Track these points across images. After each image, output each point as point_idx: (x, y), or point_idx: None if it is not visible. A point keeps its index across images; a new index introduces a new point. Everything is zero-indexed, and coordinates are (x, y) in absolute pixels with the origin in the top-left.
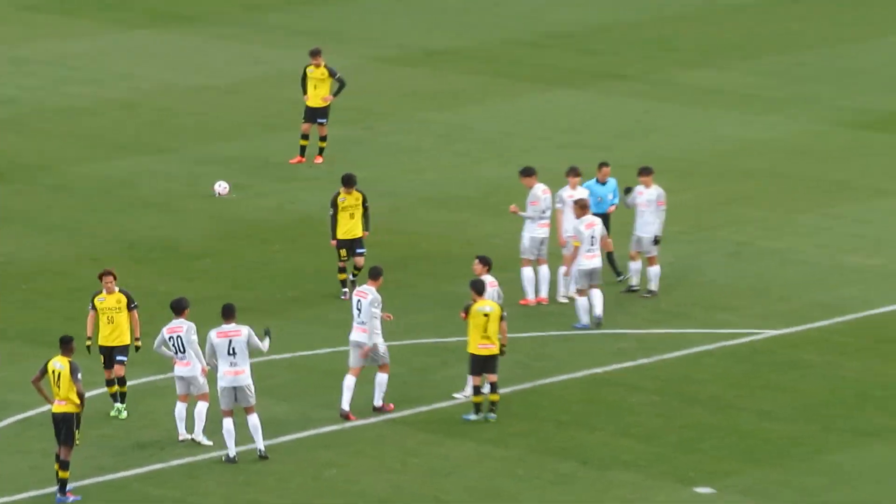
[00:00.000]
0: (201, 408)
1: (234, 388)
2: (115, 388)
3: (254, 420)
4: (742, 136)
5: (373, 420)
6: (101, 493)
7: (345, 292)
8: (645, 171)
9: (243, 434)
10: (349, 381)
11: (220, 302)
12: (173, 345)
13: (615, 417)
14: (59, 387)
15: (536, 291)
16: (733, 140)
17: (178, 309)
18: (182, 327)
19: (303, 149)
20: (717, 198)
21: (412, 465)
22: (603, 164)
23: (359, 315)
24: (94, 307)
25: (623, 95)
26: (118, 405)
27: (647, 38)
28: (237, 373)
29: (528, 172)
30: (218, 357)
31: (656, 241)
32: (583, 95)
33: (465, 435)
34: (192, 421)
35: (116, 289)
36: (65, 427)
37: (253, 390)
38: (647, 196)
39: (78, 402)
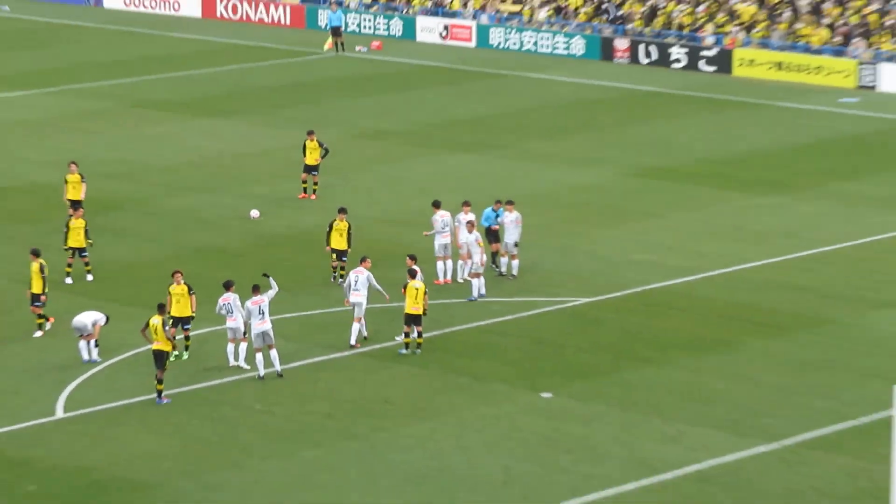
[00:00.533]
0: (242, 346)
1: (262, 333)
2: (185, 342)
3: (274, 353)
4: (567, 181)
5: (346, 353)
6: (182, 398)
7: (334, 276)
8: (509, 202)
9: (268, 362)
10: (356, 326)
11: (252, 282)
12: (225, 308)
13: (492, 351)
14: (156, 333)
15: (445, 276)
16: (563, 184)
17: (228, 286)
18: (230, 297)
19: (304, 189)
20: (553, 219)
21: (370, 380)
22: (498, 201)
23: (355, 285)
24: (169, 293)
25: (497, 157)
26: (184, 352)
27: (511, 123)
28: (263, 323)
29: (436, 204)
30: (252, 316)
31: (516, 245)
32: (473, 158)
33: (402, 362)
34: (237, 355)
35: (182, 281)
36: (160, 359)
37: (273, 334)
38: (511, 217)
39: (168, 344)
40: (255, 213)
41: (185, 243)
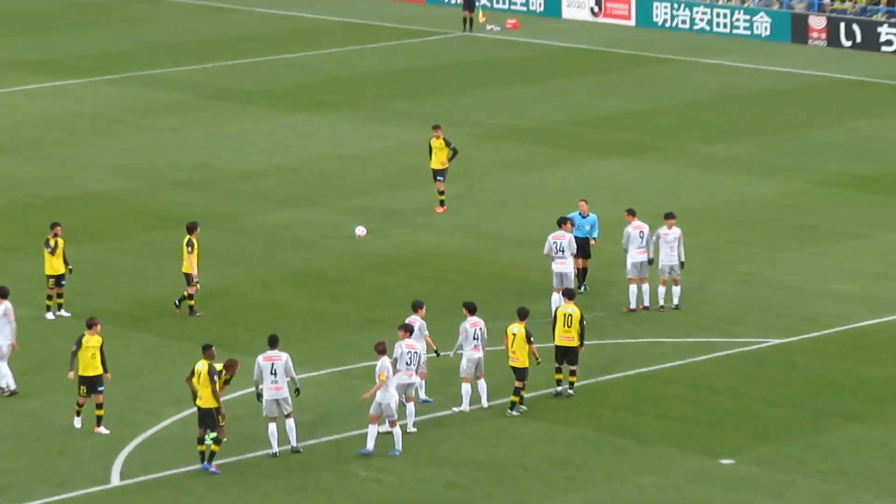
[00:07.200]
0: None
1: (276, 400)
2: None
3: (291, 423)
4: (747, 192)
5: (473, 406)
6: (269, 460)
7: None
8: (669, 216)
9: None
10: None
11: (358, 317)
12: (409, 357)
13: (658, 405)
14: (199, 383)
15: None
16: (741, 196)
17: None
18: (416, 346)
19: (441, 201)
20: (729, 239)
21: (503, 440)
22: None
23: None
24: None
25: (657, 163)
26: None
27: (674, 121)
28: (277, 388)
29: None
30: (263, 376)
31: (676, 268)
32: (627, 162)
33: (543, 417)
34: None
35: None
36: (206, 417)
37: (291, 400)
38: (672, 234)
39: (213, 398)
40: (360, 230)
41: (275, 267)
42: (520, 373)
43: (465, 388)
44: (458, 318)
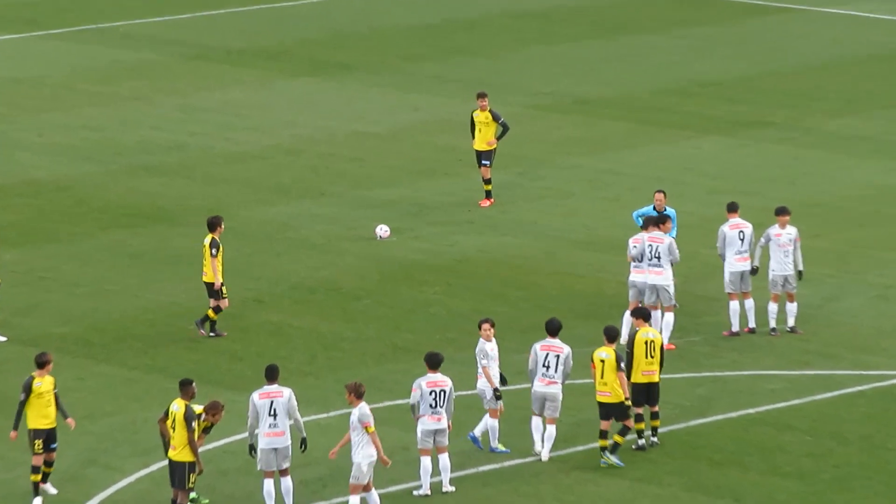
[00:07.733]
0: (445, 458)
1: (275, 450)
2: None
3: (287, 483)
4: (885, 182)
5: (529, 458)
6: None
7: None
8: (782, 211)
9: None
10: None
11: (380, 343)
12: (433, 399)
13: (768, 457)
14: (174, 429)
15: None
16: (877, 186)
17: (436, 362)
18: (446, 383)
19: (487, 192)
20: (862, 242)
21: (568, 503)
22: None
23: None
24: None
25: (769, 142)
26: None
27: (791, 88)
28: (277, 433)
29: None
30: (260, 417)
31: (795, 277)
32: (729, 142)
33: (620, 474)
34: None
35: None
36: (177, 472)
37: (291, 451)
38: (785, 236)
39: (189, 449)
40: (382, 230)
41: (274, 277)
42: (614, 410)
43: (535, 422)
44: (511, 345)
